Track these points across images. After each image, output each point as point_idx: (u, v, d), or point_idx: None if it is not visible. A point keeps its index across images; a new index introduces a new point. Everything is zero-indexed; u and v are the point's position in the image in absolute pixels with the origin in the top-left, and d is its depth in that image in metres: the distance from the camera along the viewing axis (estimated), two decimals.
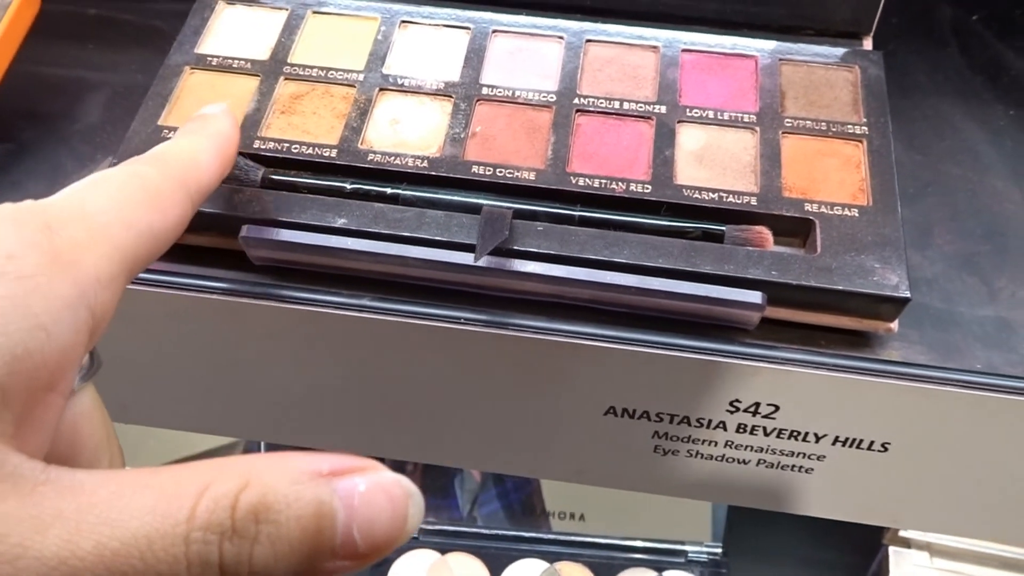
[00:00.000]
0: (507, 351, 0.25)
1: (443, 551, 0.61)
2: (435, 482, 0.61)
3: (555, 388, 0.26)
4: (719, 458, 0.27)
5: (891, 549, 0.59)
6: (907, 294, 0.23)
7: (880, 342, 0.25)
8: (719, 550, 0.60)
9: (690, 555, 0.60)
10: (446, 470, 0.61)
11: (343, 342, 0.25)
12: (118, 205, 0.17)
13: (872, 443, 0.26)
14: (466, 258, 0.24)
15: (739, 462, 0.27)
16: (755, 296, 0.23)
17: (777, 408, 0.25)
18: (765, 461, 0.27)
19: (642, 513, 0.62)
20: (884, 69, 0.29)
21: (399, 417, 0.28)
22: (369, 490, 0.14)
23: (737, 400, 0.25)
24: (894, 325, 0.25)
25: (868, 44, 0.30)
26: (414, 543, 0.61)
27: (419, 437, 0.28)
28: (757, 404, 0.25)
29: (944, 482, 0.26)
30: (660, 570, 0.60)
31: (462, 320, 0.24)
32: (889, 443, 0.25)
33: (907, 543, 0.59)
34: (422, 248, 0.24)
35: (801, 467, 0.27)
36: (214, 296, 0.25)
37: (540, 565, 0.60)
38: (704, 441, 0.26)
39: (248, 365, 0.27)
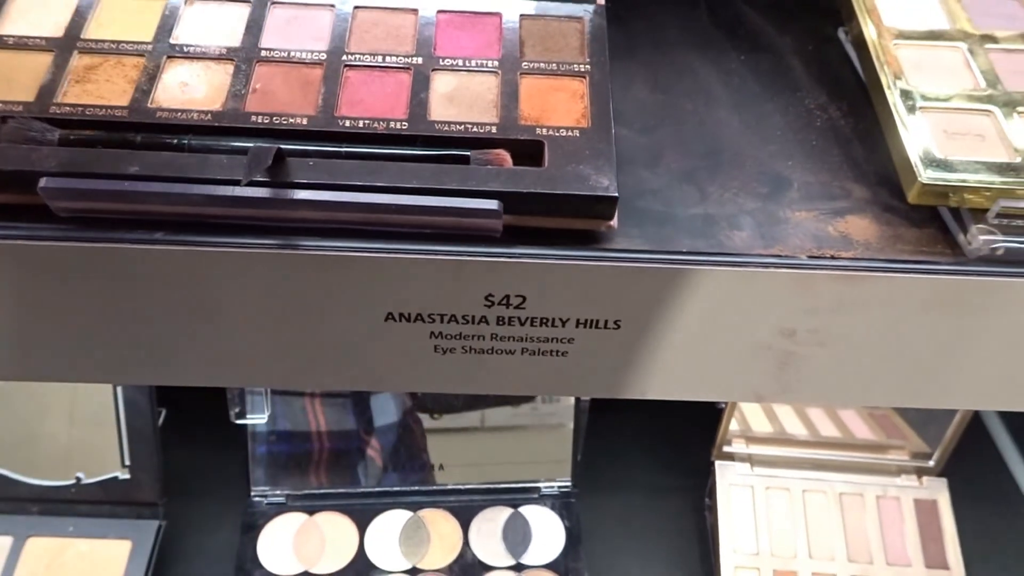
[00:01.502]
0: (293, 270, 0.29)
1: (311, 513, 0.64)
2: (340, 472, 0.64)
3: (340, 300, 0.30)
4: (489, 351, 0.32)
5: (717, 464, 0.66)
6: (615, 193, 0.29)
7: (605, 238, 0.30)
8: (569, 485, 0.66)
9: (543, 490, 0.66)
10: (350, 458, 0.64)
11: (141, 277, 0.29)
12: None
13: (607, 322, 0.31)
14: (244, 192, 0.28)
15: (506, 352, 0.32)
16: (492, 203, 0.28)
17: (524, 299, 0.30)
18: (527, 349, 0.32)
19: (502, 461, 0.67)
20: (606, 19, 0.35)
21: (201, 344, 0.32)
22: None
23: (491, 294, 0.30)
24: (614, 222, 0.30)
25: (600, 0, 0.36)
26: (282, 507, 0.64)
27: (220, 362, 0.32)
28: (507, 296, 0.30)
29: (669, 351, 0.32)
30: (516, 506, 0.65)
31: (248, 245, 0.28)
32: (620, 320, 0.31)
33: (731, 457, 0.66)
34: (205, 186, 0.28)
35: (556, 351, 0.32)
36: (20, 242, 0.28)
37: (405, 515, 0.64)
38: (474, 336, 0.31)
39: (57, 309, 0.30)
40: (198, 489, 0.66)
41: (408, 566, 0.62)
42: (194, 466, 0.67)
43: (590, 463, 0.69)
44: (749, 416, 0.67)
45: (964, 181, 0.30)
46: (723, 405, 0.65)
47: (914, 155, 0.31)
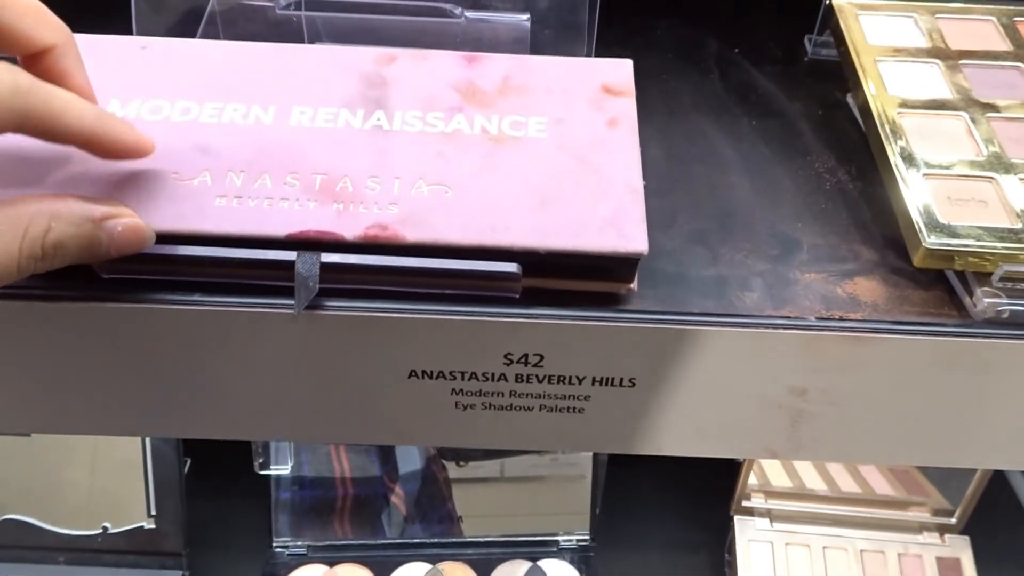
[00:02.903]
0: (320, 330, 0.30)
1: (331, 564, 0.64)
2: (362, 522, 0.65)
3: (364, 359, 0.31)
4: (509, 407, 0.33)
5: (736, 518, 0.66)
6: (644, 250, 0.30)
7: (623, 300, 0.32)
8: (587, 538, 0.66)
9: (561, 544, 0.66)
10: (374, 508, 0.65)
11: (175, 336, 0.31)
12: None
13: (622, 380, 0.32)
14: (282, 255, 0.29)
15: (525, 409, 0.33)
16: (512, 267, 0.30)
17: (542, 357, 0.31)
18: (545, 406, 0.33)
19: (521, 513, 0.67)
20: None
21: (228, 399, 0.33)
22: (124, 228, 0.28)
23: (510, 353, 0.31)
24: (634, 285, 0.31)
25: None
26: (303, 559, 0.64)
27: (245, 416, 0.33)
28: (526, 355, 0.31)
29: (682, 409, 0.33)
30: (534, 559, 0.65)
31: (276, 305, 0.30)
32: (635, 378, 0.32)
33: (751, 512, 0.66)
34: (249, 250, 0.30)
35: (573, 408, 0.33)
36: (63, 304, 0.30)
37: (424, 567, 0.64)
38: (494, 393, 0.32)
39: (87, 365, 0.32)
40: (221, 540, 0.67)
41: None
42: (218, 516, 0.68)
43: (609, 517, 0.69)
44: (768, 471, 0.67)
45: (967, 246, 0.31)
46: (742, 459, 0.65)
47: (918, 220, 0.32)
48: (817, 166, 0.40)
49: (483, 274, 0.30)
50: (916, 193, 0.33)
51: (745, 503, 0.66)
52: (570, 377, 0.32)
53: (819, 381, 0.32)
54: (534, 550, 0.66)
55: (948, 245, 0.31)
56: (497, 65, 0.36)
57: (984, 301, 0.31)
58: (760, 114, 0.43)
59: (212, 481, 0.70)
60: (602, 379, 0.32)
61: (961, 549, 0.64)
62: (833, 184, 0.39)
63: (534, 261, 0.30)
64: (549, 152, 0.32)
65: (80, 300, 0.30)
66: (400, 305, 0.30)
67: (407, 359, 0.32)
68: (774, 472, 0.67)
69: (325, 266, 0.30)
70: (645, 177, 0.32)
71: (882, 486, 0.67)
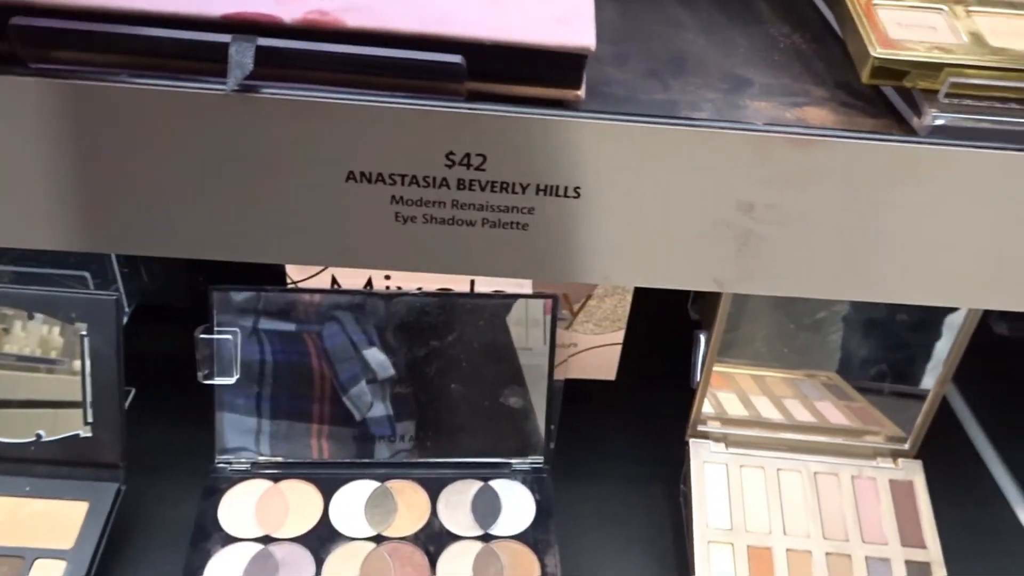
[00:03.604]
0: (255, 117, 0.29)
1: (275, 480, 0.62)
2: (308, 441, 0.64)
3: (301, 155, 0.30)
4: (450, 221, 0.32)
5: (691, 442, 0.65)
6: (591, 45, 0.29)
7: (570, 107, 0.31)
8: (541, 462, 0.65)
9: (514, 466, 0.65)
10: (320, 428, 0.64)
11: (98, 120, 0.29)
12: None
13: (566, 189, 0.31)
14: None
15: (467, 224, 0.32)
16: (455, 58, 0.29)
17: (485, 159, 0.30)
18: (488, 220, 0.32)
19: (474, 440, 0.66)
20: None
21: (157, 207, 0.32)
22: None
23: (452, 152, 0.30)
24: (582, 92, 0.31)
25: None
26: (246, 474, 0.62)
27: (182, 226, 0.32)
28: (468, 155, 0.30)
29: (628, 228, 0.32)
30: (486, 480, 0.64)
31: (208, 89, 0.29)
32: (580, 187, 0.31)
33: (706, 436, 0.66)
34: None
35: (517, 223, 0.32)
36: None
37: (372, 485, 0.63)
38: (434, 203, 0.31)
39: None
40: (162, 455, 0.65)
41: (373, 533, 0.60)
42: (161, 435, 0.66)
43: (564, 450, 0.68)
44: (724, 400, 0.67)
45: (914, 58, 0.31)
46: (696, 384, 0.64)
47: (868, 38, 0.32)
48: (772, 31, 0.40)
49: (425, 64, 0.29)
50: (867, 18, 0.33)
51: (700, 427, 0.65)
52: (514, 184, 0.31)
53: (766, 195, 0.32)
54: (486, 472, 0.64)
55: (895, 55, 0.31)
56: None
57: (931, 114, 0.31)
58: None
59: (156, 402, 0.67)
60: (546, 188, 0.31)
61: (914, 472, 0.64)
62: (788, 44, 0.39)
63: (480, 57, 0.29)
64: None
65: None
66: (340, 93, 0.29)
67: (345, 157, 0.30)
68: (730, 402, 0.67)
69: (261, 50, 0.29)
70: (599, 30, 0.32)
71: (836, 417, 0.67)
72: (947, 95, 0.31)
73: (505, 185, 0.31)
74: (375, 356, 0.63)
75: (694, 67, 0.36)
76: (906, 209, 0.32)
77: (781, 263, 0.34)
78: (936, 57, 0.31)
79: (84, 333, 0.57)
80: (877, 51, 0.31)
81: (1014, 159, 0.31)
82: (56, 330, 0.57)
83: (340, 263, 0.33)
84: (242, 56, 0.29)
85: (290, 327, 0.62)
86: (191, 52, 0.29)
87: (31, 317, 0.57)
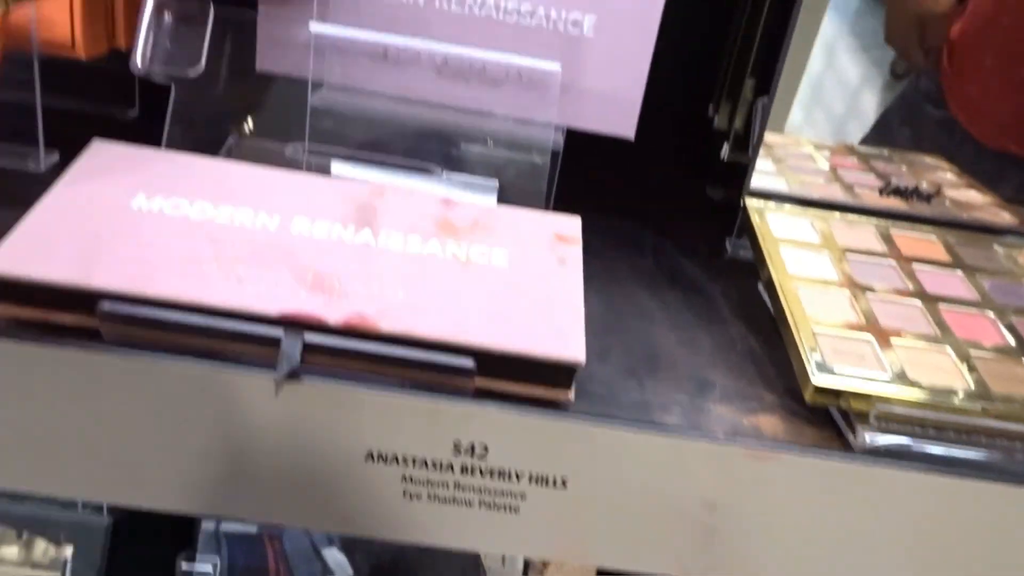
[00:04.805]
0: (296, 399, 0.34)
1: None
2: None
3: (331, 433, 0.35)
4: (451, 500, 0.36)
5: None
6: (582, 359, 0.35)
7: (562, 407, 0.36)
8: None
9: None
10: None
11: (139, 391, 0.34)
12: None
13: (555, 479, 0.36)
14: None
15: (466, 504, 0.36)
16: (467, 360, 0.35)
17: (487, 449, 0.35)
18: (484, 502, 0.36)
19: None
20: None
21: (179, 468, 0.35)
22: None
23: (459, 441, 0.35)
24: (571, 395, 0.36)
25: None
26: None
27: (198, 488, 0.36)
28: (473, 445, 0.35)
29: (608, 516, 0.37)
30: None
31: (261, 373, 0.34)
32: (567, 479, 0.36)
33: None
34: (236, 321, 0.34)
35: (509, 506, 0.36)
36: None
37: None
38: (439, 483, 0.36)
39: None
40: None
41: None
42: None
43: None
44: None
45: (848, 386, 0.37)
46: None
47: (809, 363, 0.38)
48: (732, 331, 0.47)
49: (443, 365, 0.35)
50: (808, 343, 0.39)
51: None
52: (510, 472, 0.36)
53: (726, 496, 0.37)
54: None
55: (833, 384, 0.37)
56: (470, 209, 0.43)
57: (863, 435, 0.36)
58: (685, 289, 0.51)
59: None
60: (538, 477, 0.36)
61: None
62: (744, 346, 0.46)
63: (487, 360, 0.35)
64: (508, 277, 0.38)
65: (78, 348, 0.33)
66: (367, 384, 0.34)
67: (368, 438, 0.35)
68: None
69: (307, 345, 0.34)
70: (586, 324, 0.38)
71: None
72: (876, 417, 0.37)
73: (502, 472, 0.36)
74: (335, 557, 0.64)
75: (666, 366, 0.42)
76: (847, 518, 0.37)
77: (741, 555, 0.38)
78: (866, 389, 0.37)
79: (69, 557, 0.58)
80: (816, 379, 0.37)
81: (934, 481, 0.36)
82: (42, 549, 0.58)
83: (350, 531, 0.37)
84: (291, 350, 0.34)
85: (251, 529, 0.64)
86: (248, 340, 0.34)
87: (19, 535, 0.58)
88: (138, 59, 0.43)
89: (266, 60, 0.48)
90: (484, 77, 0.49)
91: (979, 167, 0.58)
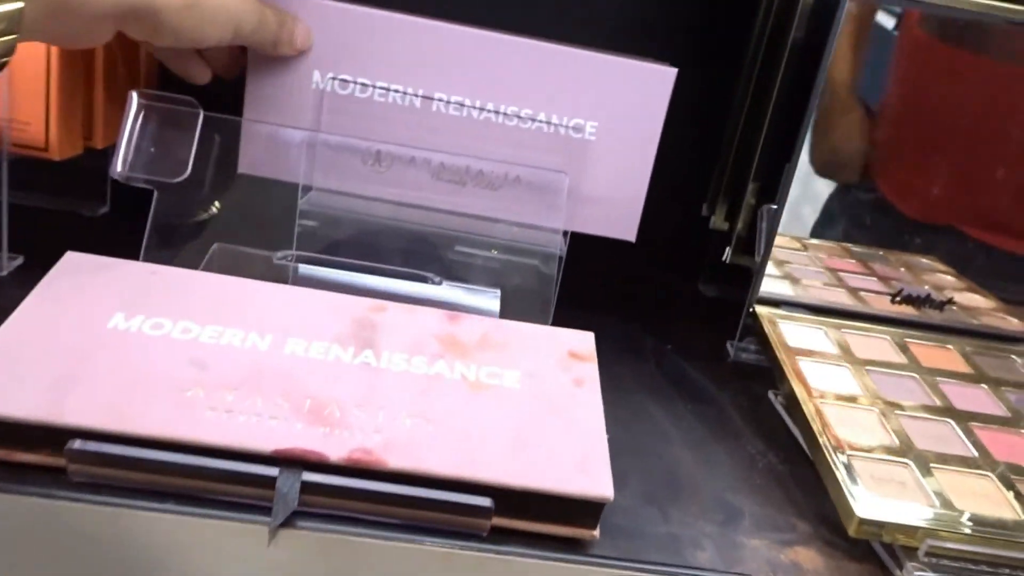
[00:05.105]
0: (292, 549, 0.30)
1: None
2: None
3: None
4: None
5: None
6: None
7: (586, 547, 0.33)
8: None
9: None
10: None
11: (139, 542, 0.30)
12: None
13: None
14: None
15: None
16: (485, 500, 0.31)
17: None
18: None
19: None
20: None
21: None
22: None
23: None
24: (596, 532, 0.33)
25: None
26: None
27: None
28: None
29: None
30: None
31: (249, 520, 0.30)
32: None
33: None
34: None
35: None
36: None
37: None
38: None
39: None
40: None
41: None
42: None
43: None
44: None
45: (895, 519, 0.34)
46: None
47: (851, 496, 0.35)
48: (749, 448, 0.44)
49: (458, 505, 0.31)
50: (846, 471, 0.37)
51: None
52: None
53: None
54: None
55: (879, 517, 0.34)
56: (476, 324, 0.40)
57: (913, 573, 0.33)
58: (692, 399, 0.48)
59: None
60: None
61: None
62: (765, 464, 0.43)
63: (506, 498, 0.31)
64: (522, 401, 0.35)
65: (45, 497, 0.29)
66: (374, 531, 0.31)
67: None
68: None
69: (306, 485, 0.30)
70: None
71: None
72: (926, 553, 0.34)
73: None
74: None
75: (688, 491, 0.39)
76: None
77: None
78: (914, 521, 0.34)
79: None
80: (861, 511, 0.34)
81: None
82: None
83: None
84: (289, 491, 0.30)
85: None
86: (239, 480, 0.30)
87: None
88: (119, 164, 0.40)
89: (251, 163, 0.45)
90: (482, 181, 0.47)
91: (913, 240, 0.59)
